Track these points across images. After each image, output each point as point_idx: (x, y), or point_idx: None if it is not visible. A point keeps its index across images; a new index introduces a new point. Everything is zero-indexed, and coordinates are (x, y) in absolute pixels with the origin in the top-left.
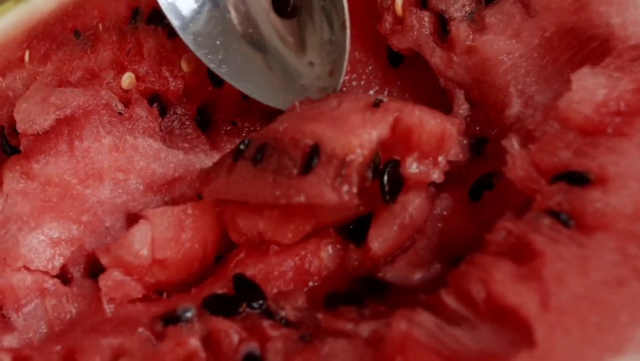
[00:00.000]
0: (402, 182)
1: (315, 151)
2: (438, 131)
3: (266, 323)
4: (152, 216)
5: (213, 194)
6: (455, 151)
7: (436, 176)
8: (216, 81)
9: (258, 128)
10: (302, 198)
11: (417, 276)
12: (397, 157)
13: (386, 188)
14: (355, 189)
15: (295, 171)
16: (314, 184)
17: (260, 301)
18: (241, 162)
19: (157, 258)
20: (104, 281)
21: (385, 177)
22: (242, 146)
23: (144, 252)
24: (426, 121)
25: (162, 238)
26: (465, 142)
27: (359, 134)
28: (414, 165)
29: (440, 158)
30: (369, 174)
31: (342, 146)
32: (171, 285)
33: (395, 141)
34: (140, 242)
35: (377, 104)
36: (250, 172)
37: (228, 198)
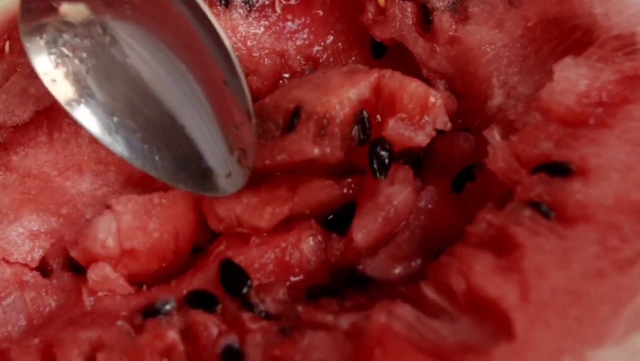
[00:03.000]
0: (391, 157)
1: (296, 112)
2: (420, 93)
3: (246, 316)
4: (115, 204)
5: None
6: (442, 119)
7: (420, 138)
8: None
9: None
10: (284, 156)
11: (398, 270)
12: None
13: (375, 165)
14: (338, 143)
15: (278, 133)
16: (295, 141)
17: (249, 283)
18: None
19: (124, 247)
20: (92, 275)
21: (373, 155)
22: None
23: (110, 242)
24: (407, 84)
25: (128, 228)
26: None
27: (338, 93)
28: (397, 126)
29: (423, 121)
30: (355, 133)
31: (321, 105)
32: (147, 277)
33: (382, 105)
34: (104, 232)
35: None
36: None
37: None
